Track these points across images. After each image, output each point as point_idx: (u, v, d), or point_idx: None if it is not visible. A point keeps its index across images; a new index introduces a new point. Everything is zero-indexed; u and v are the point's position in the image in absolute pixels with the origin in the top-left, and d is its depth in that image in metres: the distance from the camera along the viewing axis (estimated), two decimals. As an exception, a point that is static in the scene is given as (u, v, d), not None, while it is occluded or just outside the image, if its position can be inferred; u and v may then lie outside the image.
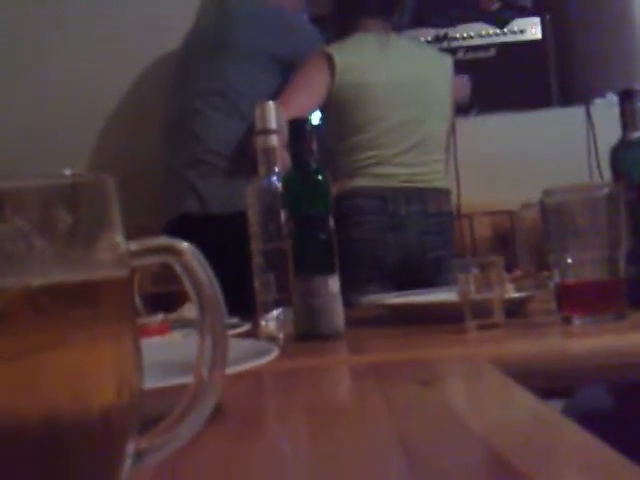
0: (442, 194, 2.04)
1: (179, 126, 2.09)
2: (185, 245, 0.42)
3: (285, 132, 1.04)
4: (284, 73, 2.01)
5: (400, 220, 1.94)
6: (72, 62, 2.47)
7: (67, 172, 0.38)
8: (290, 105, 1.83)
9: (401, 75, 2.01)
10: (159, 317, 1.08)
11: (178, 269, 0.41)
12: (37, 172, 0.38)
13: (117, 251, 0.39)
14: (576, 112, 2.46)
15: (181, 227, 2.00)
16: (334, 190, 1.93)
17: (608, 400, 1.17)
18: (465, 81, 2.44)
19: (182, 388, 0.42)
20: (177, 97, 2.14)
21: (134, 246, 0.41)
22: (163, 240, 0.42)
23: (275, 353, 0.63)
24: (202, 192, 1.99)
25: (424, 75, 2.05)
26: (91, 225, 0.38)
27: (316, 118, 2.18)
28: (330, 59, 1.94)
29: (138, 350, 0.39)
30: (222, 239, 1.84)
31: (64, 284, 0.35)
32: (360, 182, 1.96)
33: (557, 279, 0.96)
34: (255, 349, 0.66)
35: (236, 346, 0.70)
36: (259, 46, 2.03)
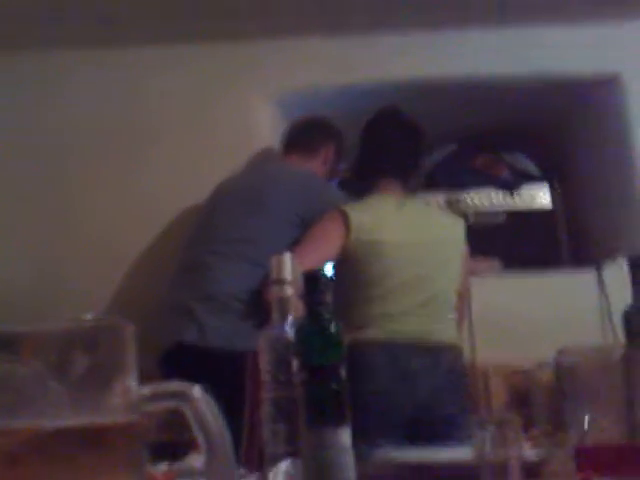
0: (454, 351, 2.04)
1: (194, 265, 2.14)
2: (197, 391, 0.42)
3: (300, 282, 1.06)
4: (305, 227, 2.09)
5: (412, 374, 1.93)
6: (95, 213, 2.59)
7: (88, 316, 0.40)
8: (305, 257, 1.89)
9: (414, 236, 2.09)
10: (164, 466, 1.05)
11: (189, 415, 0.41)
12: (59, 316, 0.39)
13: (130, 396, 0.39)
14: (587, 273, 2.49)
15: (177, 357, 2.00)
16: (346, 341, 1.95)
17: None
18: (494, 265, 2.55)
19: None
20: (197, 242, 2.22)
21: (147, 391, 0.41)
22: (175, 385, 0.42)
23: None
24: (203, 323, 2.01)
25: (436, 237, 2.13)
26: (107, 368, 0.38)
27: (329, 270, 2.23)
28: (346, 217, 2.03)
29: (144, 500, 0.39)
30: (216, 374, 1.83)
31: (75, 428, 0.35)
32: (371, 335, 1.98)
33: (574, 441, 0.93)
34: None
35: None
36: (288, 205, 2.15)
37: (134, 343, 0.41)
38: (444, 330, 2.05)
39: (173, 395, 0.42)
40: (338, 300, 2.02)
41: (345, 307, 2.04)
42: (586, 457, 0.92)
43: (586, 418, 0.91)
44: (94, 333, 0.39)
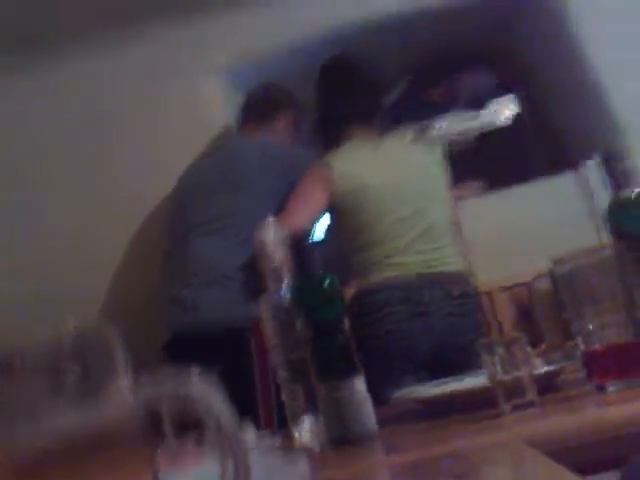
0: (460, 277, 2.04)
1: (176, 255, 2.17)
2: (194, 378, 0.42)
3: (286, 245, 1.07)
4: (285, 192, 2.07)
5: (425, 306, 1.93)
6: (69, 220, 2.58)
7: (71, 326, 0.39)
8: (295, 217, 1.90)
9: (397, 173, 2.07)
10: (190, 439, 1.06)
11: (190, 401, 0.42)
12: (43, 329, 0.39)
13: (126, 394, 0.39)
14: (568, 178, 2.49)
15: (177, 346, 2.03)
16: (351, 290, 1.96)
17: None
18: (475, 185, 2.53)
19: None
20: (173, 232, 2.23)
21: (143, 386, 0.41)
22: (172, 375, 0.42)
23: (304, 464, 0.62)
24: (195, 303, 2.03)
25: (419, 169, 2.12)
26: (99, 372, 0.38)
27: (323, 224, 2.23)
28: (327, 169, 2.02)
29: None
30: (218, 354, 1.85)
31: (78, 437, 0.35)
32: (377, 276, 1.96)
33: (582, 347, 0.94)
34: (283, 463, 0.65)
35: (264, 464, 0.68)
36: (259, 179, 2.13)
37: (121, 344, 0.41)
38: (446, 258, 2.03)
39: (170, 385, 0.41)
40: (337, 252, 2.04)
41: (346, 256, 2.04)
42: (595, 362, 0.93)
43: (589, 324, 0.92)
44: (80, 341, 0.39)
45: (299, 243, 1.04)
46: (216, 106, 2.63)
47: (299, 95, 2.39)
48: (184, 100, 2.62)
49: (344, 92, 2.15)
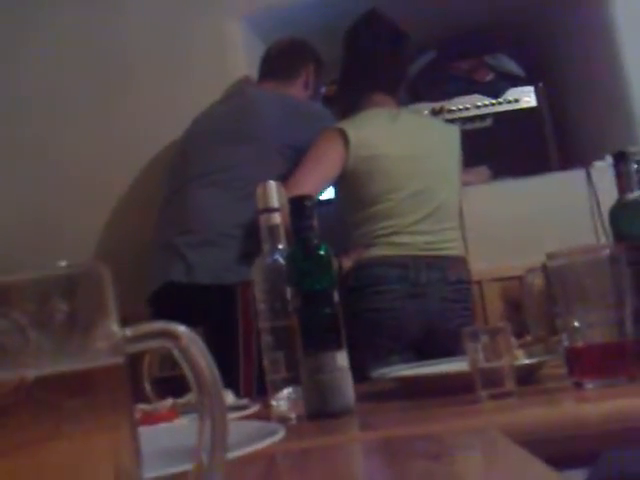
0: (459, 262, 2.03)
1: (174, 201, 2.11)
2: (182, 329, 0.42)
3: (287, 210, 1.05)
4: (298, 156, 2.02)
5: (421, 288, 1.93)
6: (77, 154, 2.56)
7: (62, 263, 0.39)
8: (305, 181, 1.87)
9: (413, 147, 2.03)
10: (168, 402, 1.07)
11: (176, 353, 0.41)
12: (33, 265, 0.39)
13: (113, 339, 0.39)
14: (577, 175, 2.47)
15: (166, 296, 2.00)
16: (351, 260, 1.95)
17: (634, 464, 1.13)
18: (484, 172, 2.50)
19: (186, 475, 0.41)
20: (175, 177, 2.17)
21: (130, 332, 0.41)
22: (160, 325, 0.42)
23: (281, 434, 0.62)
24: (189, 260, 1.98)
25: (434, 146, 2.08)
26: (87, 314, 0.38)
27: (328, 192, 2.20)
28: (343, 134, 1.97)
29: (136, 439, 0.39)
30: (206, 310, 1.84)
31: (59, 375, 0.35)
32: (379, 251, 1.95)
33: (566, 343, 0.95)
34: (260, 431, 0.65)
35: (242, 429, 0.69)
36: (274, 134, 2.07)
37: (111, 286, 0.40)
38: (448, 242, 2.03)
39: (157, 335, 0.41)
40: (343, 221, 2.02)
41: (350, 228, 2.02)
42: (577, 359, 0.94)
43: (576, 321, 0.92)
44: (71, 279, 0.39)
45: (299, 208, 1.02)
46: (238, 50, 2.57)
47: (321, 50, 2.31)
48: (206, 41, 2.56)
49: (370, 54, 2.08)
